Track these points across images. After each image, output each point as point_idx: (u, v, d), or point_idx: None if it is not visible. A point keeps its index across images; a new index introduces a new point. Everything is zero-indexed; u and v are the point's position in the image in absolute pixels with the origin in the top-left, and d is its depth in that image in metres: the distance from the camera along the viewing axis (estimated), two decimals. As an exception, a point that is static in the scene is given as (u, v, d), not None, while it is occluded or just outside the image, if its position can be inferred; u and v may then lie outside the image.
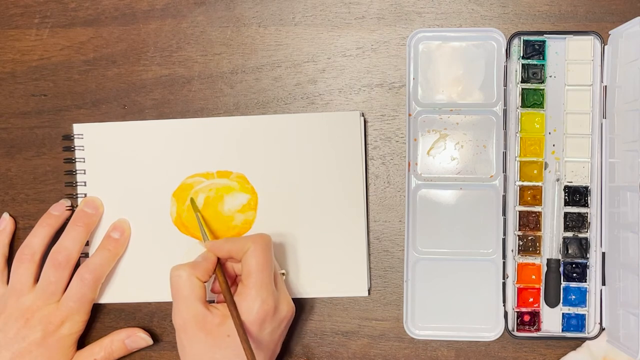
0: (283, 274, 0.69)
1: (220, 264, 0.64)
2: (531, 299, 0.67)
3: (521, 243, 0.68)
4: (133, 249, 0.70)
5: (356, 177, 0.69)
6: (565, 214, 0.67)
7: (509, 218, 0.68)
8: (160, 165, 0.70)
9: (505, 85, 0.67)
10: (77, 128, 0.71)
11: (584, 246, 0.67)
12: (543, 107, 0.67)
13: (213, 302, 0.66)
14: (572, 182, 0.68)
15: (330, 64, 0.70)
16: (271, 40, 0.70)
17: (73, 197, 0.71)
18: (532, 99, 0.68)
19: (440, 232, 0.68)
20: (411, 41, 0.68)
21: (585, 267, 0.67)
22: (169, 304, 0.70)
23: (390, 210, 0.70)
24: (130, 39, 0.71)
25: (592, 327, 0.67)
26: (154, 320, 0.71)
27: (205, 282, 0.63)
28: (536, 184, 0.68)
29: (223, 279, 0.63)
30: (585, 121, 0.67)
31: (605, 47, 0.67)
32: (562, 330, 0.68)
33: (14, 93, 0.72)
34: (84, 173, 0.71)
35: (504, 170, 0.67)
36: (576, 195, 0.67)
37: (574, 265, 0.67)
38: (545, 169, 0.68)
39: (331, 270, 0.69)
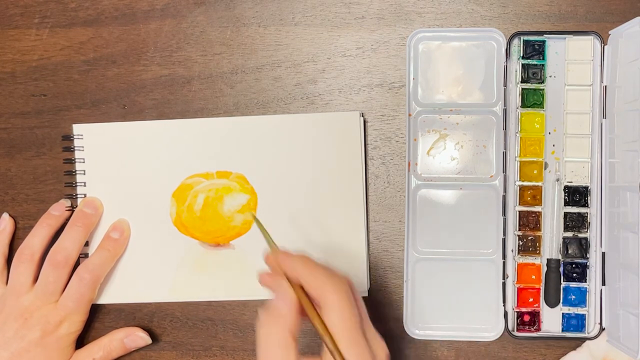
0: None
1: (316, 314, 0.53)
2: (531, 299, 0.67)
3: (521, 243, 0.68)
4: (133, 250, 0.70)
5: (356, 177, 0.69)
6: (565, 214, 0.67)
7: (509, 218, 0.68)
8: (160, 166, 0.70)
9: (505, 85, 0.67)
10: (77, 128, 0.71)
11: (584, 246, 0.67)
12: (543, 107, 0.67)
13: None
14: (572, 182, 0.68)
15: (330, 64, 0.70)
16: (271, 40, 0.70)
17: (73, 197, 0.71)
18: (532, 99, 0.68)
19: (440, 232, 0.68)
20: (411, 41, 0.68)
21: (585, 267, 0.67)
22: (169, 304, 0.71)
23: (390, 210, 0.70)
24: (130, 39, 0.71)
25: (592, 327, 0.67)
26: (154, 320, 0.71)
27: (296, 337, 0.52)
28: (536, 184, 0.67)
29: (324, 329, 0.52)
30: (585, 121, 0.67)
31: (605, 47, 0.67)
32: (562, 330, 0.68)
33: (14, 93, 0.72)
34: (84, 173, 0.71)
35: (504, 170, 0.67)
36: (576, 195, 0.67)
37: (574, 265, 0.67)
38: (545, 169, 0.68)
39: (331, 271, 0.69)
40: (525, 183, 0.67)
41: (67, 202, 0.70)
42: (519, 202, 0.68)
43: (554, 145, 0.68)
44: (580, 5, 0.68)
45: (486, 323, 0.68)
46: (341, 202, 0.69)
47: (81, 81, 0.71)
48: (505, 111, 0.67)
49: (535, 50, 0.68)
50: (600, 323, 0.67)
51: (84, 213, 0.69)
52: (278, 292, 0.54)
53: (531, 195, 0.68)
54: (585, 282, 0.67)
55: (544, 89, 0.67)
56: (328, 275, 0.53)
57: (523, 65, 0.67)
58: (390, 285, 0.70)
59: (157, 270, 0.70)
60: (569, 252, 0.67)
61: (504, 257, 0.67)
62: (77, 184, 0.71)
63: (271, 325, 0.52)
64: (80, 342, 0.70)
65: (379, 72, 0.70)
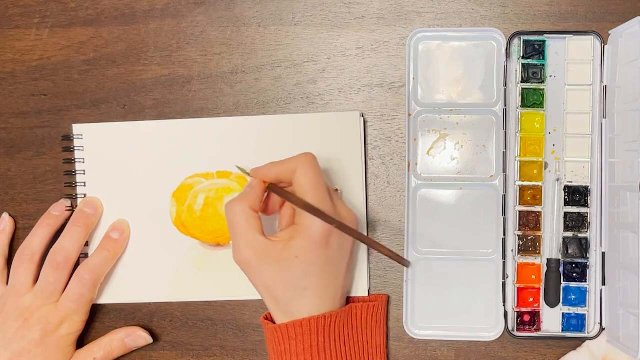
0: (337, 190, 0.68)
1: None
2: (531, 299, 0.67)
3: (521, 243, 0.68)
4: (133, 250, 0.70)
5: (356, 177, 0.69)
6: (565, 214, 0.67)
7: (509, 218, 0.68)
8: (160, 166, 0.70)
9: (505, 85, 0.67)
10: (77, 128, 0.71)
11: (584, 246, 0.67)
12: (543, 107, 0.67)
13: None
14: (572, 182, 0.68)
15: (330, 64, 0.70)
16: (271, 40, 0.70)
17: (73, 197, 0.71)
18: (532, 99, 0.68)
19: (440, 232, 0.68)
20: (411, 41, 0.68)
21: (585, 267, 0.67)
22: (169, 304, 0.71)
23: (390, 210, 0.70)
24: (130, 39, 0.71)
25: (592, 327, 0.67)
26: (154, 320, 0.71)
27: (258, 211, 0.62)
28: (536, 184, 0.67)
29: (283, 191, 0.63)
30: (585, 121, 0.67)
31: (605, 47, 0.67)
32: (562, 330, 0.68)
33: (14, 93, 0.72)
34: (84, 173, 0.71)
35: (504, 170, 0.67)
36: (576, 195, 0.67)
37: (574, 265, 0.67)
38: (545, 169, 0.68)
39: (331, 270, 0.69)
40: (525, 183, 0.67)
41: (67, 202, 0.70)
42: (519, 202, 0.68)
43: (554, 145, 0.68)
44: (580, 5, 0.68)
45: (486, 323, 0.68)
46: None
47: (81, 81, 0.71)
48: (505, 111, 0.67)
49: (535, 50, 0.68)
50: (600, 323, 0.67)
51: (84, 213, 0.69)
52: (248, 185, 0.63)
53: (531, 195, 0.68)
54: (585, 282, 0.67)
55: (544, 89, 0.68)
56: (294, 157, 0.62)
57: (523, 65, 0.67)
58: (390, 285, 0.70)
59: (157, 270, 0.70)
60: (569, 252, 0.67)
61: (504, 257, 0.67)
62: (77, 184, 0.71)
63: (235, 201, 0.62)
64: (81, 342, 0.70)
65: (379, 72, 0.70)
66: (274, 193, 0.63)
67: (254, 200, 0.62)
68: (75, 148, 0.71)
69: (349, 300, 0.68)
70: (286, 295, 0.61)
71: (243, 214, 0.61)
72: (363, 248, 0.69)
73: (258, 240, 0.61)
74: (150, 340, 0.69)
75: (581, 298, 0.67)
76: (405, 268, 0.68)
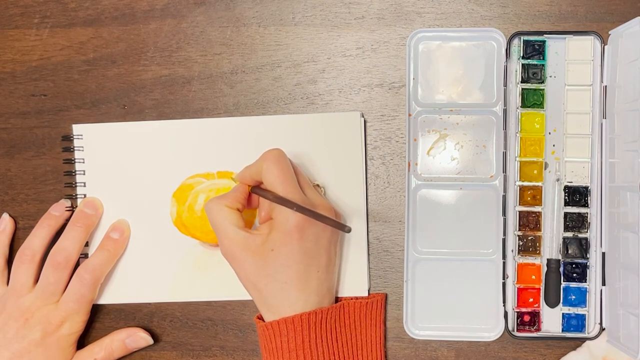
0: (318, 185, 0.69)
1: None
2: (531, 299, 0.67)
3: (521, 243, 0.68)
4: (133, 250, 0.70)
5: (356, 177, 0.69)
6: (565, 214, 0.67)
7: (509, 218, 0.68)
8: (160, 166, 0.70)
9: (505, 85, 0.67)
10: (77, 129, 0.71)
11: (584, 246, 0.67)
12: (543, 107, 0.68)
13: None
14: (572, 182, 0.68)
15: (330, 64, 0.70)
16: (271, 40, 0.70)
17: (73, 197, 0.71)
18: (532, 99, 0.68)
19: (440, 232, 0.68)
20: (411, 41, 0.68)
21: (585, 267, 0.67)
22: (169, 304, 0.71)
23: (390, 210, 0.70)
24: (130, 39, 0.71)
25: (592, 327, 0.67)
26: (154, 320, 0.71)
27: (238, 209, 0.64)
28: (536, 184, 0.67)
29: (259, 188, 0.64)
30: (585, 121, 0.67)
31: (605, 47, 0.67)
32: (562, 331, 0.68)
33: (14, 93, 0.72)
34: (84, 174, 0.71)
35: (504, 170, 0.67)
36: (576, 195, 0.67)
37: (574, 265, 0.67)
38: (545, 169, 0.68)
39: (331, 271, 0.69)
40: (525, 183, 0.68)
41: (67, 203, 0.70)
42: (519, 202, 0.68)
43: (554, 145, 0.68)
44: (580, 5, 0.68)
45: (486, 323, 0.68)
46: (341, 203, 0.69)
47: (81, 81, 0.71)
48: (505, 111, 0.67)
49: (535, 50, 0.68)
50: (601, 323, 0.67)
51: (84, 213, 0.69)
52: (233, 188, 0.66)
53: (531, 195, 0.68)
54: (585, 282, 0.67)
55: (544, 89, 0.67)
56: (261, 156, 0.64)
57: (523, 65, 0.67)
58: (390, 285, 0.70)
59: (157, 270, 0.70)
60: (569, 252, 0.67)
61: (504, 257, 0.67)
62: (77, 184, 0.71)
63: (211, 200, 0.64)
64: (81, 342, 0.70)
65: (379, 72, 0.70)
66: (254, 194, 0.65)
67: (232, 200, 0.64)
68: (75, 148, 0.71)
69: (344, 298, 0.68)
70: (267, 288, 0.62)
71: (219, 210, 0.63)
72: (363, 248, 0.69)
73: (238, 234, 0.62)
74: (150, 341, 0.69)
75: (581, 298, 0.67)
76: (405, 268, 0.68)
